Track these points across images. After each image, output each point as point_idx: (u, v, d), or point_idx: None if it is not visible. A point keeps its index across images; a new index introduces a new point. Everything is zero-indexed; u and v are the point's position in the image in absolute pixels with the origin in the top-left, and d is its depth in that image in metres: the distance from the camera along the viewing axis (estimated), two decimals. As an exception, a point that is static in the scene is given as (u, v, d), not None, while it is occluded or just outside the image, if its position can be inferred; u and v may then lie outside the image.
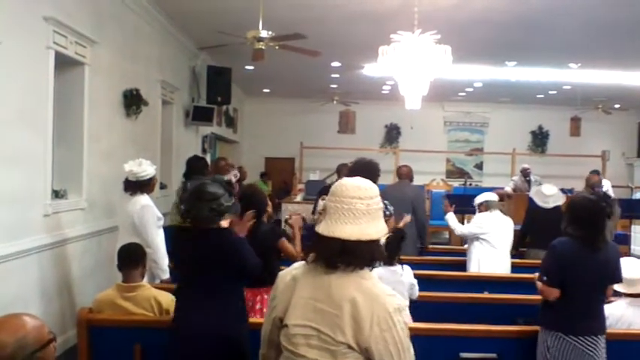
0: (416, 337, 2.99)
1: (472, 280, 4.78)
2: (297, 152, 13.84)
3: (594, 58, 8.78)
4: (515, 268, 5.24)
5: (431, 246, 6.93)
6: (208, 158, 9.74)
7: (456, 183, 13.25)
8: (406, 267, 3.67)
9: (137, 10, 6.14)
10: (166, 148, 7.54)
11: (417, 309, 3.62)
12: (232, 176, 5.38)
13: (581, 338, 2.86)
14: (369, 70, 9.52)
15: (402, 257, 3.77)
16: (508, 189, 9.87)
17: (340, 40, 7.78)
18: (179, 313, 2.73)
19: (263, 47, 5.59)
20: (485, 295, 4.20)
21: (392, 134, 15.05)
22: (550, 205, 5.64)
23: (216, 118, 10.06)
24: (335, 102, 13.19)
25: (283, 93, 13.67)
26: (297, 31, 5.53)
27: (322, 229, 1.73)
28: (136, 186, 4.25)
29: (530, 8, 6.21)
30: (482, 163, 15.38)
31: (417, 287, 3.66)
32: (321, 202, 5.41)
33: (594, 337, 2.86)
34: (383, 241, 3.73)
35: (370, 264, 1.75)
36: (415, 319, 3.45)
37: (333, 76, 10.81)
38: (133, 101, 5.89)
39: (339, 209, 1.72)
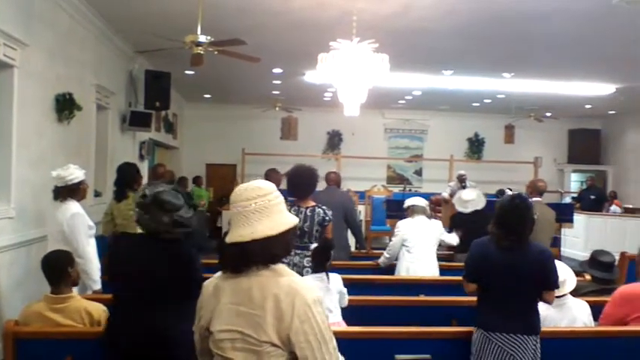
0: (351, 340, 3.08)
1: (409, 284, 4.87)
2: (239, 159, 13.73)
3: (526, 68, 9.15)
4: (445, 271, 5.39)
5: (374, 250, 7.05)
6: (146, 165, 9.53)
7: (397, 189, 13.50)
8: (334, 275, 3.71)
9: (71, 11, 5.95)
10: (101, 154, 7.32)
11: (355, 313, 3.68)
12: None
13: (499, 335, 2.96)
14: (311, 77, 9.58)
15: (335, 263, 3.81)
16: (445, 194, 10.16)
17: (281, 47, 7.80)
18: (117, 323, 2.65)
19: (202, 52, 5.54)
20: (421, 297, 4.29)
21: (334, 141, 15.18)
22: (469, 209, 5.84)
23: (154, 123, 9.86)
24: (277, 108, 13.20)
25: (225, 99, 13.55)
26: (236, 37, 5.50)
27: (227, 238, 1.80)
28: (64, 192, 4.12)
29: (464, 19, 6.41)
30: (421, 169, 15.72)
31: (346, 296, 3.70)
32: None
33: (515, 336, 2.96)
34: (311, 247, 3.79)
35: (272, 260, 1.79)
36: (352, 322, 3.51)
37: (274, 82, 10.81)
38: (65, 106, 5.69)
39: (235, 215, 1.79)
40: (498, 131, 15.73)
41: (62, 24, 5.80)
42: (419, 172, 15.73)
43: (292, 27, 6.76)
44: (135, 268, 2.64)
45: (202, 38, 5.50)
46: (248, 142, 13.81)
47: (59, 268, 3.02)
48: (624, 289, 3.63)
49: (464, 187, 9.76)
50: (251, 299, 1.72)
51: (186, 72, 9.37)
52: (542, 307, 3.39)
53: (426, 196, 7.36)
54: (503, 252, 3.03)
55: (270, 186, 1.84)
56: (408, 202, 5.53)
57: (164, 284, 2.56)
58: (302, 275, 4.16)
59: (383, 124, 15.46)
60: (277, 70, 9.62)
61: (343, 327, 3.48)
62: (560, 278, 3.44)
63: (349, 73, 4.99)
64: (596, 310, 3.65)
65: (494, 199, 7.08)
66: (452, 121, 15.25)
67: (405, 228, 5.31)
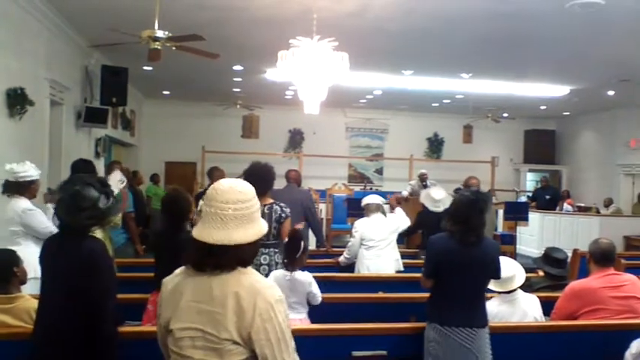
0: (309, 337, 3.07)
1: (369, 281, 4.90)
2: (199, 157, 13.57)
3: (483, 69, 9.34)
4: (408, 268, 5.44)
5: (335, 248, 7.07)
6: (102, 162, 9.31)
7: (358, 187, 13.57)
8: (304, 273, 3.70)
9: (23, 3, 5.76)
10: (55, 150, 7.12)
11: (315, 311, 3.68)
12: (118, 182, 5.12)
13: (455, 330, 3.02)
14: (272, 74, 9.54)
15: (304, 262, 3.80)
16: (405, 193, 10.27)
17: (241, 44, 7.73)
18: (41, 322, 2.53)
19: (159, 47, 5.43)
20: (380, 294, 4.33)
21: (295, 139, 15.17)
22: (441, 208, 5.89)
23: (111, 120, 9.65)
24: (238, 106, 13.10)
25: (184, 96, 13.37)
26: (195, 32, 5.42)
27: (195, 232, 1.77)
28: (13, 187, 3.99)
29: (422, 19, 6.49)
30: (382, 168, 15.86)
31: (318, 295, 3.69)
32: (200, 203, 5.34)
33: (470, 330, 3.02)
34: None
35: (240, 265, 1.78)
36: (312, 320, 3.51)
37: (235, 79, 10.72)
38: (17, 101, 5.52)
39: (210, 214, 1.76)
40: (457, 131, 16.00)
41: (14, 16, 5.62)
42: (380, 171, 15.87)
43: (252, 23, 6.72)
44: (52, 266, 2.51)
45: (160, 33, 5.39)
46: (208, 140, 13.65)
47: (4, 268, 2.91)
48: (575, 284, 3.74)
49: (425, 186, 9.89)
50: (212, 297, 1.71)
51: (145, 68, 9.20)
52: (494, 302, 3.47)
53: (384, 194, 7.44)
54: (465, 248, 3.09)
55: (251, 191, 1.83)
56: (364, 202, 5.59)
57: (76, 285, 2.40)
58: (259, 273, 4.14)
59: (344, 122, 15.52)
60: (238, 68, 9.54)
61: (307, 325, 3.49)
62: (510, 273, 3.53)
63: (309, 71, 4.97)
64: (549, 305, 3.76)
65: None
66: (412, 121, 15.43)
67: (362, 227, 5.36)
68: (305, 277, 3.68)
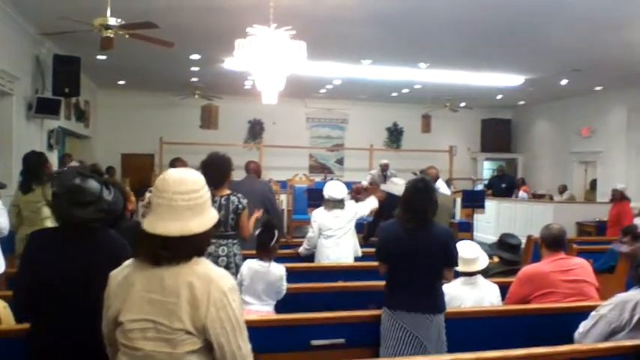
0: (268, 328, 3.07)
1: (328, 271, 4.92)
2: (157, 148, 13.34)
3: (440, 58, 9.45)
4: (368, 257, 5.47)
5: (295, 239, 7.07)
6: (55, 155, 9.05)
7: (319, 178, 13.60)
8: (278, 265, 3.70)
9: (-35, -12, 5.53)
10: (5, 143, 6.89)
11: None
12: None
13: (402, 314, 3.07)
14: (230, 64, 9.42)
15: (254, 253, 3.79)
16: (365, 182, 10.33)
17: (197, 32, 7.60)
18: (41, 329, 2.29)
19: (112, 35, 5.30)
20: (340, 283, 4.35)
21: (255, 130, 15.06)
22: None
23: (64, 111, 9.37)
24: (196, 96, 12.88)
25: (140, 85, 13.09)
26: (149, 20, 5.30)
27: (146, 225, 1.73)
28: None
29: (380, 8, 6.51)
30: (343, 158, 15.91)
31: (285, 289, 3.68)
32: (147, 195, 5.23)
33: (419, 315, 3.07)
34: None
35: (196, 254, 1.77)
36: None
37: (193, 69, 10.55)
38: (-38, 91, 5.30)
39: (161, 205, 1.73)
40: (416, 121, 16.15)
41: (-44, 2, 5.37)
42: (340, 161, 15.92)
43: (208, 11, 6.61)
44: (59, 265, 2.24)
45: (112, 21, 5.27)
46: (166, 131, 13.43)
47: None
48: (527, 269, 3.85)
49: (385, 176, 10.00)
50: (164, 287, 1.69)
51: (98, 57, 8.96)
52: (455, 284, 3.53)
53: (348, 184, 7.44)
54: (409, 233, 3.15)
55: (202, 180, 1.81)
56: (326, 193, 5.40)
57: (86, 281, 2.15)
58: (217, 264, 4.10)
59: (305, 113, 15.50)
60: (195, 57, 9.39)
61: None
62: (474, 255, 3.62)
63: (266, 60, 4.94)
64: (504, 289, 3.85)
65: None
66: (372, 111, 15.52)
67: (320, 217, 5.33)
68: (280, 270, 3.67)
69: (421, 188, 3.23)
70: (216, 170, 4.29)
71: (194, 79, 11.77)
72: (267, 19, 5.18)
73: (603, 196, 11.41)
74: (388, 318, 3.12)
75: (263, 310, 3.54)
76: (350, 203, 5.62)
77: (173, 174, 1.77)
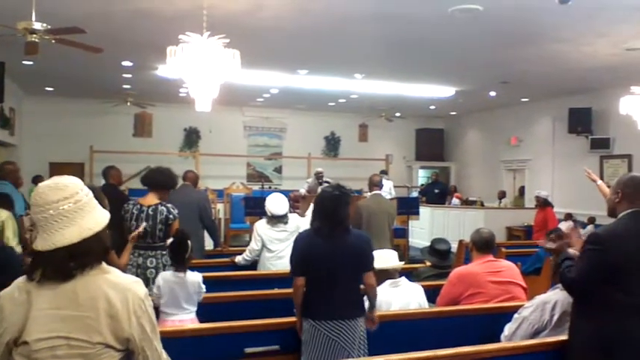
0: (201, 337, 3.02)
1: (265, 278, 4.90)
2: (87, 157, 12.90)
3: (375, 70, 9.64)
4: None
5: (232, 247, 7.00)
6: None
7: (256, 186, 13.54)
8: (194, 273, 3.64)
9: None
10: None
11: (210, 310, 3.63)
12: None
13: (324, 323, 3.09)
14: (163, 71, 9.25)
15: (192, 261, 3.74)
16: (302, 191, 10.38)
17: (128, 38, 7.42)
18: None
19: (37, 40, 5.09)
20: (276, 290, 4.33)
21: (191, 138, 14.80)
22: None
23: (-13, 118, 8.92)
24: (129, 103, 12.55)
25: (70, 92, 12.62)
26: (76, 25, 5.14)
27: (41, 244, 1.64)
28: None
29: (315, 19, 6.57)
30: (281, 167, 15.91)
31: (202, 295, 3.66)
32: (26, 219, 5.12)
33: (342, 322, 3.10)
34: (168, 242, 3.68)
35: (105, 253, 1.75)
36: (208, 319, 3.44)
37: (125, 76, 10.28)
38: None
39: (49, 218, 1.65)
40: (353, 130, 16.41)
41: None
42: (279, 170, 15.90)
43: (139, 17, 6.46)
44: None
45: (37, 25, 5.06)
46: (97, 139, 13.02)
47: None
48: (458, 270, 3.99)
49: (320, 184, 10.05)
50: (77, 301, 1.63)
51: (24, 62, 8.58)
52: (380, 289, 3.59)
53: (285, 193, 7.43)
54: (326, 240, 3.18)
55: (77, 180, 1.76)
56: (268, 209, 5.27)
57: None
58: (146, 276, 4.02)
59: (242, 121, 15.40)
60: (127, 63, 9.16)
61: (198, 324, 3.44)
62: (389, 253, 3.75)
63: (199, 68, 4.88)
64: (436, 292, 3.96)
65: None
66: (309, 120, 15.62)
67: (263, 231, 5.27)
68: (196, 277, 3.64)
69: (337, 196, 3.27)
70: (160, 184, 4.33)
71: (126, 86, 11.47)
72: (200, 27, 5.13)
73: (531, 202, 11.92)
74: (310, 328, 3.12)
75: (186, 318, 3.49)
76: (293, 217, 5.57)
77: (47, 185, 1.70)
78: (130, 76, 10.28)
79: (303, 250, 3.22)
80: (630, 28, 6.56)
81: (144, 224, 4.04)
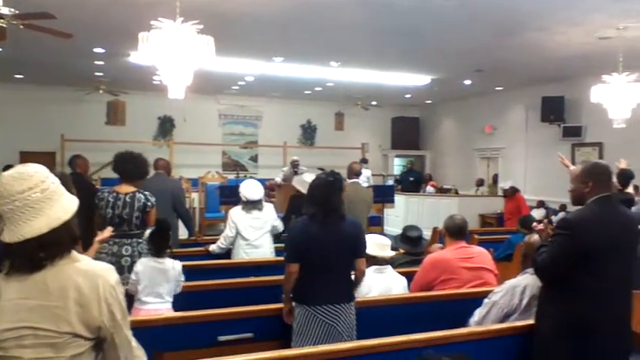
0: (174, 326, 3.01)
1: (240, 267, 4.89)
2: (59, 146, 12.66)
3: (351, 57, 9.62)
4: (282, 252, 5.47)
5: (206, 237, 6.97)
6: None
7: (231, 175, 13.47)
8: (175, 262, 3.62)
9: None
10: None
11: (185, 299, 3.62)
12: None
13: (319, 308, 3.12)
14: (136, 58, 9.10)
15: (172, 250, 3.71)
16: (278, 179, 10.38)
17: (100, 24, 7.28)
18: None
19: (4, 25, 4.97)
20: (251, 279, 4.33)
21: (166, 126, 14.62)
22: None
23: (-47, 105, 8.69)
24: (101, 91, 12.33)
25: (41, 80, 12.35)
26: (45, 10, 5.02)
27: (8, 236, 1.61)
28: None
29: (291, 6, 6.52)
30: (257, 155, 15.84)
31: (181, 284, 3.64)
32: None
33: (334, 306, 3.14)
34: (147, 234, 3.64)
35: (75, 242, 1.72)
36: (183, 308, 3.44)
37: (97, 63, 10.08)
38: None
39: (16, 210, 1.62)
40: (329, 118, 16.40)
41: None
42: (254, 159, 15.83)
43: (111, 2, 6.33)
44: None
45: (5, 10, 4.94)
46: (69, 128, 12.79)
47: None
48: (432, 256, 4.03)
49: (296, 173, 10.04)
50: (47, 291, 1.61)
51: (-9, 48, 8.38)
52: (367, 275, 3.62)
53: (262, 181, 7.41)
54: (324, 227, 3.19)
55: (43, 168, 1.72)
56: (243, 194, 5.27)
57: None
58: (120, 265, 3.99)
59: (217, 109, 15.27)
60: (99, 50, 9.00)
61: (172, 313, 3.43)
62: (387, 241, 3.82)
63: (172, 54, 4.81)
64: (409, 278, 4.00)
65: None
66: (285, 108, 15.56)
67: (238, 218, 5.25)
68: (178, 265, 3.62)
69: (332, 183, 3.28)
70: (132, 170, 4.24)
71: (99, 74, 11.25)
72: (173, 13, 5.06)
73: (504, 190, 12.12)
74: (305, 314, 3.13)
75: (162, 307, 3.48)
76: (269, 206, 5.55)
77: (11, 175, 1.66)
78: (102, 63, 10.10)
79: (299, 236, 3.23)
80: (602, 17, 6.65)
81: (110, 229, 3.79)
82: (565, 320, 2.73)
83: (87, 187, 5.37)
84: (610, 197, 2.84)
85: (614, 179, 5.95)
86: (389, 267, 3.87)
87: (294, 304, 3.22)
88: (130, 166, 4.27)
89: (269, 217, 5.38)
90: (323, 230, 3.18)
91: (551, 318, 2.79)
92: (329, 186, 3.26)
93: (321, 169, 6.02)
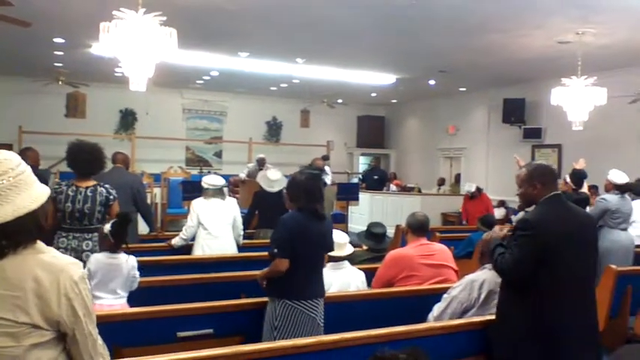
0: (133, 321, 2.95)
1: (202, 263, 4.84)
2: (16, 138, 12.29)
3: (317, 55, 9.61)
4: (246, 248, 5.47)
5: (168, 232, 6.87)
6: None
7: (195, 171, 13.32)
8: (130, 257, 3.54)
9: None
10: None
11: (144, 294, 3.54)
12: None
13: (304, 302, 3.16)
14: (98, 49, 8.88)
15: (128, 245, 3.63)
16: (242, 175, 10.33)
17: (60, 13, 7.08)
18: None
19: (-43, 11, 4.79)
20: (212, 275, 4.28)
21: (127, 120, 14.31)
22: (275, 189, 6.03)
23: None
24: (61, 82, 11.98)
25: (-4, 70, 11.98)
26: (1, -4, 4.87)
27: None
28: None
29: (256, 1, 6.48)
30: (221, 151, 15.67)
31: (137, 280, 3.57)
32: None
33: (315, 300, 3.20)
34: (107, 227, 3.55)
35: (40, 233, 1.68)
36: (142, 304, 3.36)
37: (56, 53, 9.81)
38: None
39: None
40: (295, 115, 16.36)
41: None
42: (219, 154, 15.67)
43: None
44: None
45: (-42, -6, 4.76)
46: (27, 120, 12.42)
47: None
48: (394, 252, 4.07)
49: (261, 170, 10.00)
50: (7, 280, 1.57)
51: (-56, 35, 8.06)
52: (325, 271, 3.64)
53: (226, 177, 7.36)
54: (317, 222, 3.26)
55: (14, 155, 1.69)
56: (205, 183, 5.38)
57: None
58: (81, 260, 3.87)
59: (181, 104, 15.05)
60: (59, 40, 8.75)
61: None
62: (343, 240, 3.83)
63: (134, 46, 4.72)
64: (371, 274, 4.03)
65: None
66: (251, 104, 15.45)
67: (199, 208, 5.23)
68: (132, 260, 3.54)
69: (317, 175, 3.43)
70: (85, 159, 4.08)
71: (58, 64, 10.94)
72: (136, 4, 4.96)
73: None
74: (287, 308, 3.14)
75: (116, 303, 3.40)
76: (232, 201, 5.53)
77: None
78: (61, 53, 9.83)
79: (296, 231, 3.18)
80: (562, 21, 6.82)
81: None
82: (531, 324, 2.71)
83: (40, 179, 5.20)
84: (559, 196, 2.90)
85: (568, 179, 6.13)
86: (346, 262, 3.92)
87: (271, 299, 3.22)
88: (82, 162, 4.09)
89: (231, 208, 5.37)
90: (317, 225, 3.26)
91: (514, 319, 2.79)
92: (315, 178, 3.38)
93: (310, 165, 6.06)
